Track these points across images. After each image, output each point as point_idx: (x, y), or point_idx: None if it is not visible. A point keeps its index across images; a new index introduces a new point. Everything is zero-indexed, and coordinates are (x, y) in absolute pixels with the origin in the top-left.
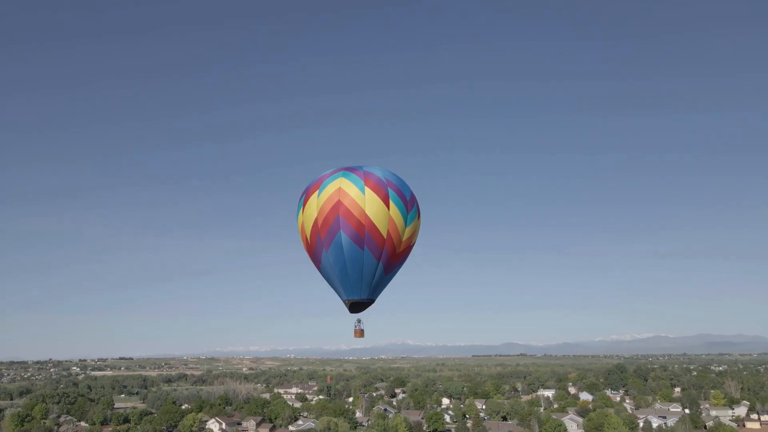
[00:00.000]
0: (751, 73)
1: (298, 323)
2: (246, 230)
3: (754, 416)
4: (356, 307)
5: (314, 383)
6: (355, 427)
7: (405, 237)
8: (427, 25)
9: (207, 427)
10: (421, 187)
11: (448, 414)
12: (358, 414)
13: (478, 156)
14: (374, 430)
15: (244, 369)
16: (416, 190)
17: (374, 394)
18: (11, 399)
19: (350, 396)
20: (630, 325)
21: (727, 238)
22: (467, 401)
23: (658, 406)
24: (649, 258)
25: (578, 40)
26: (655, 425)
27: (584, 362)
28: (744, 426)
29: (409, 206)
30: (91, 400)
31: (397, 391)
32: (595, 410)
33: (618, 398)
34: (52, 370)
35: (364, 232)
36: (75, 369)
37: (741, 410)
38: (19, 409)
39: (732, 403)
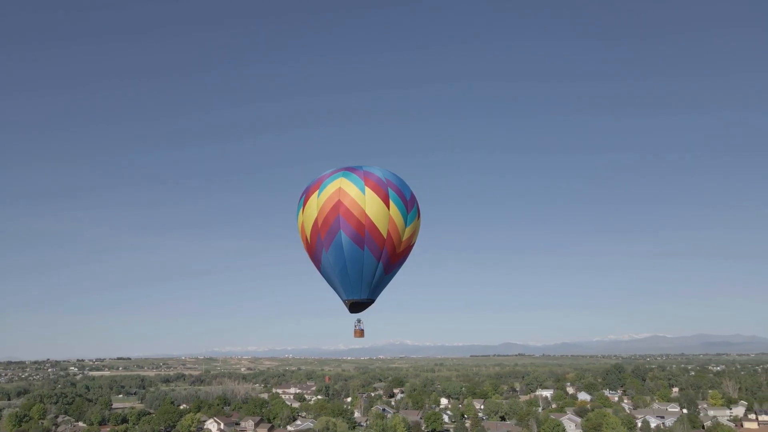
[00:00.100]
0: (751, 73)
1: (297, 323)
2: (246, 230)
3: (752, 416)
4: (356, 307)
5: (312, 383)
6: (354, 427)
7: (405, 237)
8: (427, 25)
9: (205, 427)
10: (421, 187)
11: (447, 414)
12: (356, 414)
13: (478, 156)
14: (373, 430)
15: (243, 369)
16: (416, 190)
17: (372, 394)
18: (9, 399)
19: (349, 396)
20: (628, 325)
21: (725, 238)
22: (465, 401)
23: (656, 406)
24: (647, 258)
25: (578, 40)
26: (653, 425)
27: (582, 362)
28: (742, 426)
29: (409, 206)
30: (89, 401)
31: (396, 391)
32: (593, 410)
33: (616, 398)
34: (49, 370)
35: (364, 232)
36: (73, 369)
37: (739, 410)
38: (17, 409)
39: (730, 403)
